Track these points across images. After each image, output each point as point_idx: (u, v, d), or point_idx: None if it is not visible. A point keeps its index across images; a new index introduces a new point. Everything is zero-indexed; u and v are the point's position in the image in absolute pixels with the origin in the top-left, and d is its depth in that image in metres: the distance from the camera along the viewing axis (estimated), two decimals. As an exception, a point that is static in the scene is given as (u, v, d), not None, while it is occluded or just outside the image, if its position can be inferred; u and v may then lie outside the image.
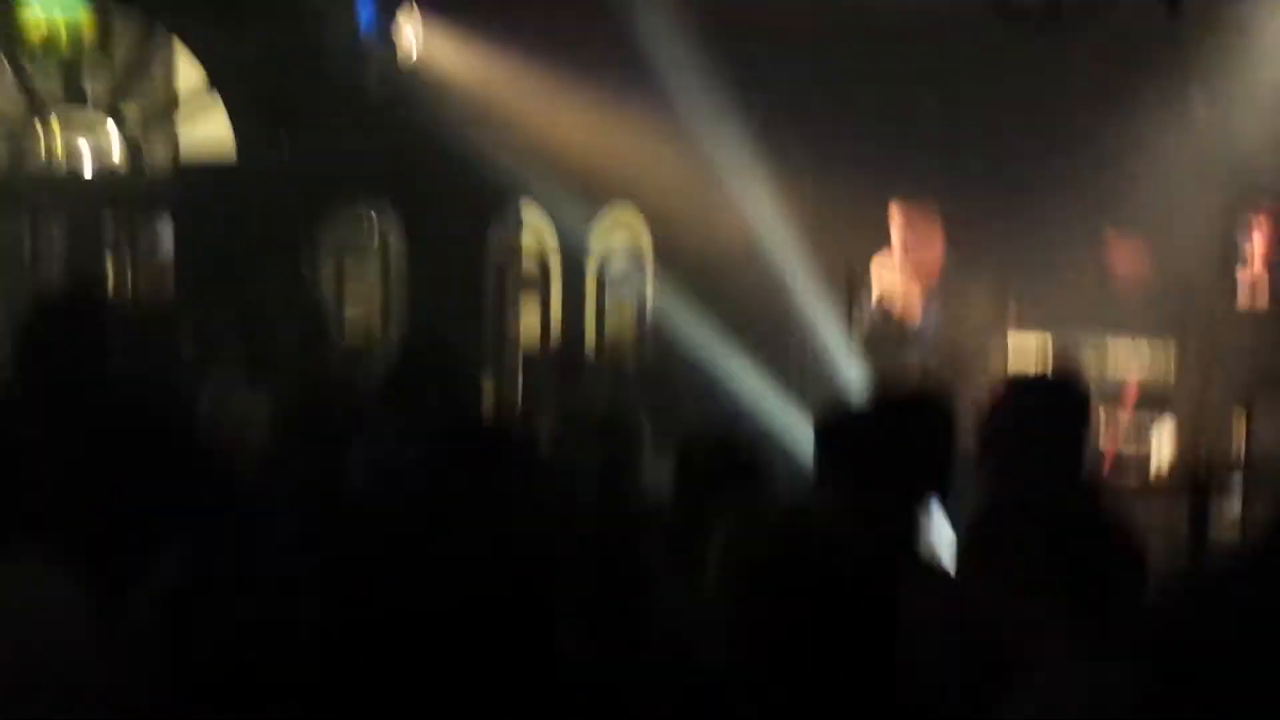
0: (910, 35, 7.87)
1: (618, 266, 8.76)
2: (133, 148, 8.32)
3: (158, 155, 8.50)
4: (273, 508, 3.60)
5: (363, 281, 8.65)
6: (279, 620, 2.54)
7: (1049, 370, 3.92)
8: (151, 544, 3.08)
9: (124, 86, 8.29)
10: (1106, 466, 6.98)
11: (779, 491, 3.65)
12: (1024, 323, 7.35)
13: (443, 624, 2.92)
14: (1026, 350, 6.98)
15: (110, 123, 8.35)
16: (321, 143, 7.96)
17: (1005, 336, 6.98)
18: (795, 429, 5.81)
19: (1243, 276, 6.96)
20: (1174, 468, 6.57)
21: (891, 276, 6.68)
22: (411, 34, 7.47)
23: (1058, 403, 3.75)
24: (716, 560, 2.17)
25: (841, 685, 2.05)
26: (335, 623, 2.59)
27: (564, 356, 6.84)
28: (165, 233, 8.21)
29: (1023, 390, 3.83)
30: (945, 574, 3.31)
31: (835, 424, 3.34)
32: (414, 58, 7.58)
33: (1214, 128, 8.14)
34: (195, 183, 7.80)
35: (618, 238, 8.75)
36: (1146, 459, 6.93)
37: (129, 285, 8.04)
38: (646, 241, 8.71)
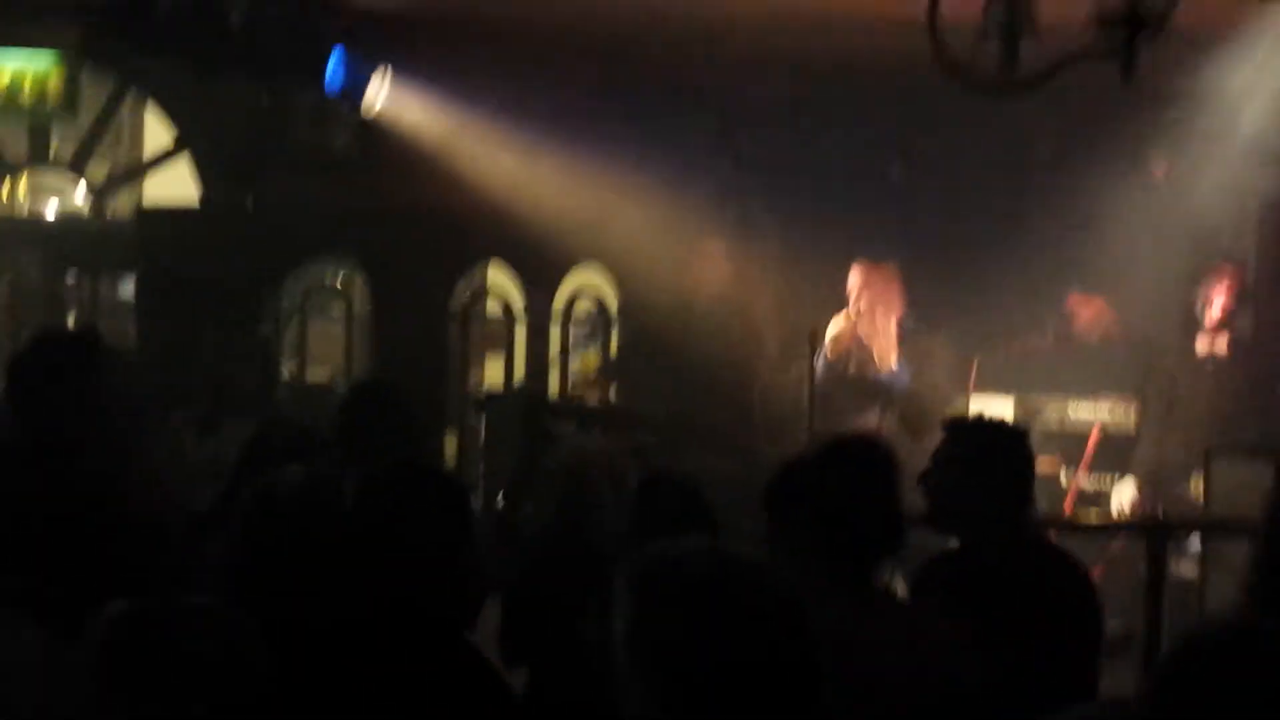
0: (873, 100, 7.97)
1: (584, 323, 8.79)
2: (98, 204, 8.32)
3: (123, 212, 8.51)
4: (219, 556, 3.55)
5: (327, 338, 8.65)
6: (226, 659, 2.52)
7: (986, 416, 3.97)
8: (100, 588, 3.06)
9: (91, 144, 8.29)
10: (1068, 510, 7.05)
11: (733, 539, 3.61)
12: (986, 384, 7.39)
13: (387, 665, 2.91)
14: (990, 412, 6.98)
15: (76, 179, 8.35)
16: (288, 200, 7.99)
17: (967, 397, 6.99)
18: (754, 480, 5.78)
19: (1201, 337, 7.01)
20: (1134, 516, 6.60)
21: (850, 335, 6.69)
22: (381, 93, 7.51)
23: (994, 447, 3.78)
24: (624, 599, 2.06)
25: None
26: (278, 663, 2.58)
27: (527, 406, 6.82)
28: (128, 289, 8.20)
29: (959, 435, 3.85)
30: (904, 617, 3.31)
31: (783, 478, 3.34)
32: (383, 117, 7.62)
33: (1173, 192, 8.25)
34: (160, 240, 7.78)
35: (585, 296, 8.78)
36: (1107, 507, 6.97)
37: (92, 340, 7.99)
38: (613, 299, 8.75)
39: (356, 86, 7.37)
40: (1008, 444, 3.81)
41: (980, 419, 4.24)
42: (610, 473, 4.26)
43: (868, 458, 3.37)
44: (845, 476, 3.28)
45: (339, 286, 8.50)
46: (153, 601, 2.46)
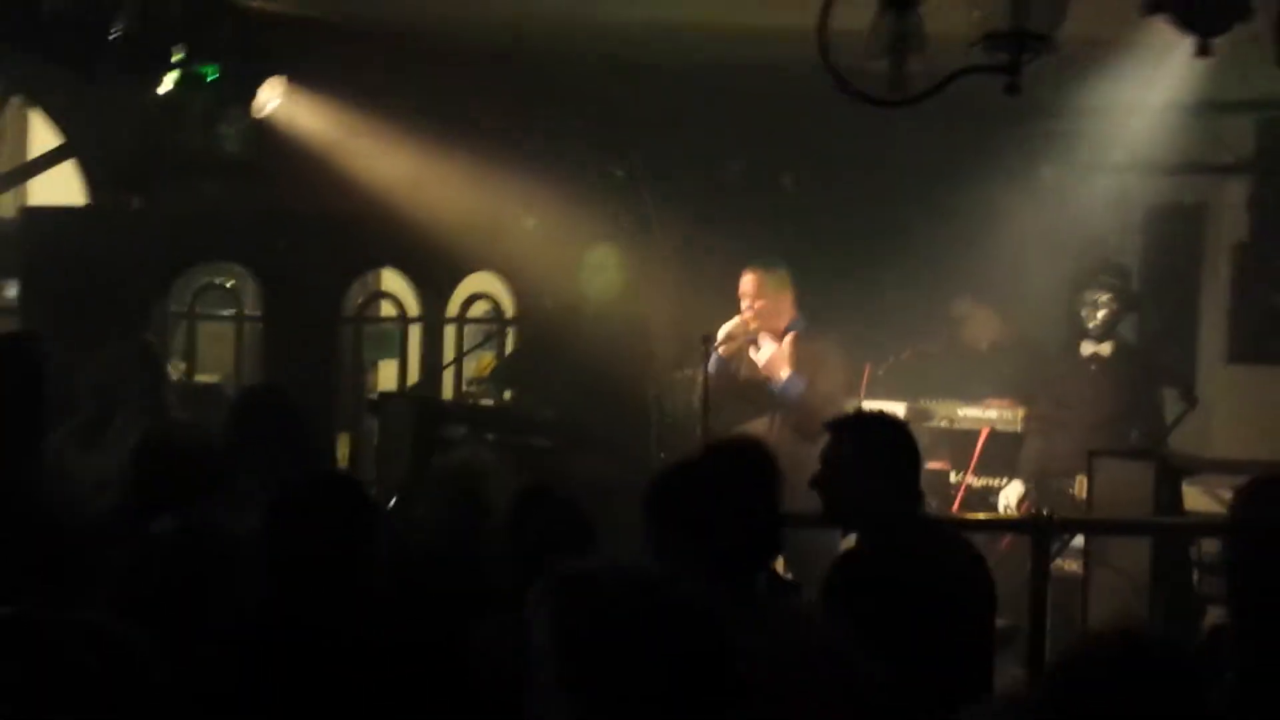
0: (766, 109, 8.04)
1: (478, 327, 8.77)
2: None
3: (7, 215, 8.35)
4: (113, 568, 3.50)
5: (217, 340, 8.55)
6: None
7: (865, 411, 4.04)
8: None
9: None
10: (955, 509, 7.18)
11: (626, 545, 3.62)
12: (878, 390, 7.49)
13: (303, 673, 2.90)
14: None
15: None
16: (178, 202, 7.89)
17: (859, 402, 7.07)
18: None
19: (1086, 341, 7.16)
20: (1020, 514, 6.73)
21: (742, 334, 6.73)
22: (273, 98, 7.44)
23: (877, 438, 3.84)
24: (545, 617, 2.10)
25: None
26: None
27: (420, 409, 6.79)
28: (10, 293, 8.03)
29: (843, 432, 3.90)
30: (786, 620, 3.34)
31: (662, 482, 3.33)
32: (276, 120, 7.55)
33: (1059, 200, 8.43)
34: (45, 241, 7.63)
35: (480, 300, 8.77)
36: (995, 506, 7.11)
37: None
38: (509, 303, 8.74)
39: (249, 90, 7.30)
40: (890, 435, 3.88)
41: (860, 414, 4.31)
42: (497, 485, 4.25)
43: (746, 461, 3.38)
44: (723, 481, 3.28)
45: (229, 287, 8.39)
46: (29, 611, 2.42)
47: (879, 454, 3.79)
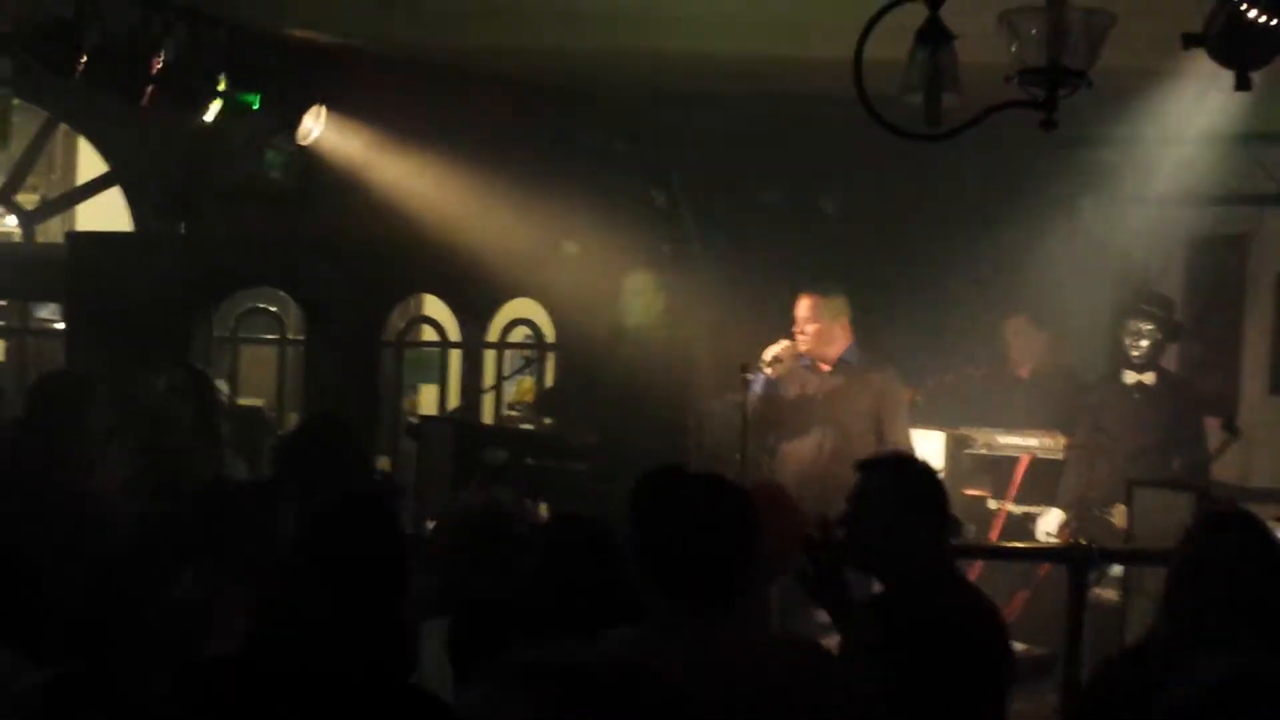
0: (807, 135, 8.05)
1: (517, 353, 8.80)
2: (29, 230, 8.25)
3: (55, 241, 8.45)
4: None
5: (259, 363, 8.62)
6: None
7: (898, 453, 4.02)
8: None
9: (23, 172, 8.23)
10: (994, 536, 7.15)
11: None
12: (919, 417, 7.46)
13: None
14: (922, 443, 7.07)
15: (7, 208, 8.28)
16: (222, 229, 7.97)
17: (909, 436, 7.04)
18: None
19: (1127, 371, 7.12)
20: (1059, 542, 6.69)
21: (791, 356, 6.72)
22: (316, 126, 7.51)
23: (905, 486, 3.83)
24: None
25: None
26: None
27: (460, 432, 6.83)
28: (58, 320, 8.13)
29: (871, 474, 3.89)
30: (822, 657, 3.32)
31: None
32: (319, 148, 7.62)
33: (1101, 231, 8.40)
34: (91, 266, 7.72)
35: (520, 324, 8.80)
36: (1033, 534, 7.08)
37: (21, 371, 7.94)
38: (549, 327, 8.77)
39: (292, 119, 7.38)
40: (918, 481, 3.85)
41: (891, 456, 4.28)
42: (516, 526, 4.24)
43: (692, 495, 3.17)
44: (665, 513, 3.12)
45: (272, 312, 8.46)
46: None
47: (908, 497, 3.78)
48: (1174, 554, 3.46)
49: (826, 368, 6.78)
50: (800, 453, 6.72)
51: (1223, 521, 3.56)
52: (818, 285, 6.82)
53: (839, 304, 6.79)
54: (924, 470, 3.92)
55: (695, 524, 3.04)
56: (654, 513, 3.10)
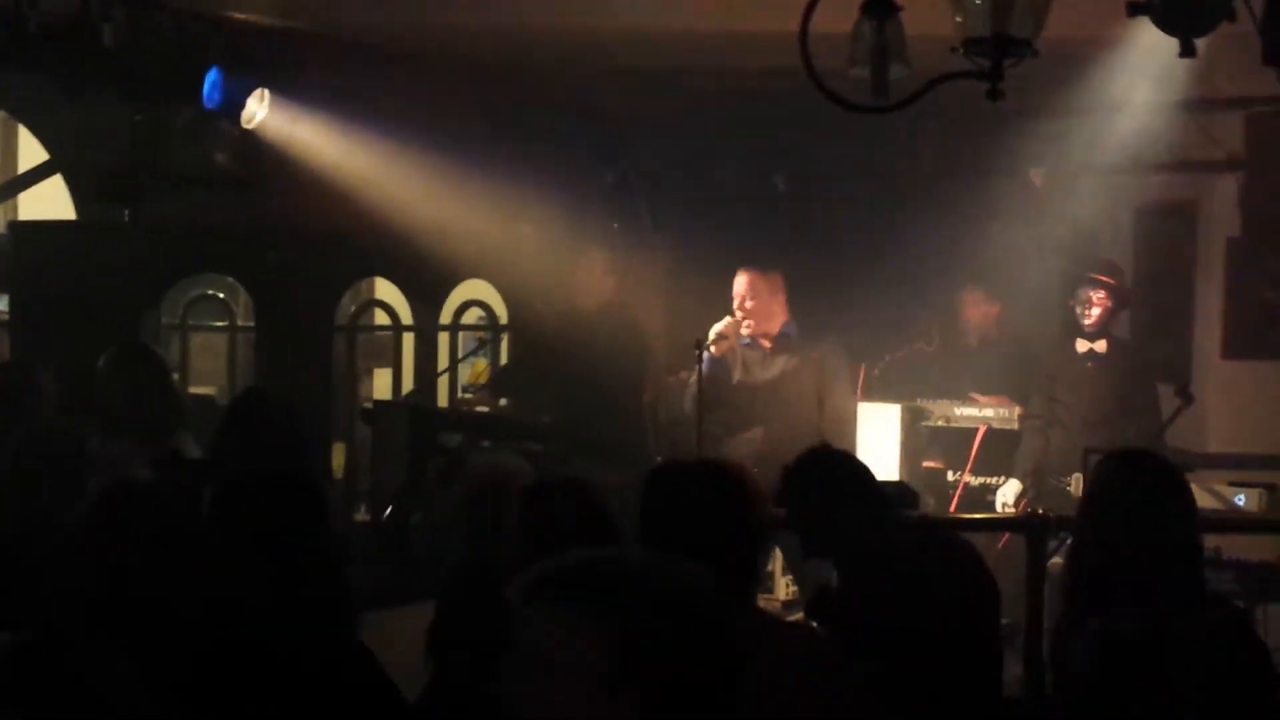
0: (757, 112, 8.03)
1: (471, 334, 8.77)
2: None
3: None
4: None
5: (209, 351, 8.54)
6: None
7: (809, 451, 4.08)
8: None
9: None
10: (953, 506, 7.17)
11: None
12: (873, 391, 7.48)
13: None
14: (875, 419, 7.08)
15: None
16: (167, 216, 7.87)
17: (855, 404, 7.06)
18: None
19: (1080, 339, 7.15)
20: (1017, 512, 6.72)
21: (734, 333, 6.73)
22: (261, 109, 7.42)
23: (821, 473, 3.87)
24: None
25: None
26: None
27: (415, 416, 6.79)
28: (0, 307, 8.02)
29: (788, 476, 3.94)
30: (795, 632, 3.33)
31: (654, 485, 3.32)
32: (264, 132, 7.53)
33: (1051, 200, 8.43)
34: (35, 255, 7.61)
35: (473, 307, 8.76)
36: (992, 505, 7.10)
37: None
38: (502, 309, 8.73)
39: (235, 102, 7.28)
40: (834, 466, 3.91)
41: (804, 456, 4.27)
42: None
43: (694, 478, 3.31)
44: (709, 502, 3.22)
45: (221, 298, 8.38)
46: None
47: (831, 488, 3.83)
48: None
49: (768, 344, 6.79)
50: (748, 446, 6.70)
51: (1121, 461, 3.73)
52: (754, 261, 6.85)
53: (775, 280, 6.83)
54: (837, 455, 4.00)
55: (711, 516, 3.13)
56: (669, 506, 3.20)
